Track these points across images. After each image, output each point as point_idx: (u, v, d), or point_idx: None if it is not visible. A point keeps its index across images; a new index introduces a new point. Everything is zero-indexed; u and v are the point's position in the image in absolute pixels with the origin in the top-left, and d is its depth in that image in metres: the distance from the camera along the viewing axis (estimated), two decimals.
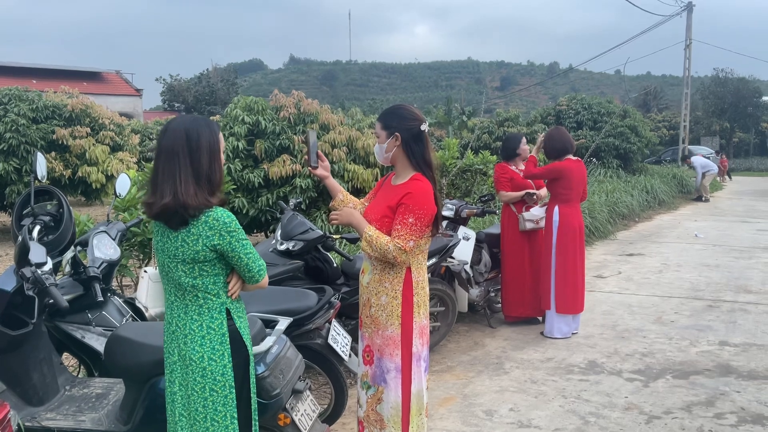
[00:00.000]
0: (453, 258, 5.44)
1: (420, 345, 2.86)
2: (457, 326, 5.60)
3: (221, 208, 2.25)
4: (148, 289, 3.81)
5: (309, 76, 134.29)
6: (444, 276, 5.41)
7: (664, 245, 10.40)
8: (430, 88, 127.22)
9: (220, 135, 2.31)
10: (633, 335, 5.55)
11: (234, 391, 2.30)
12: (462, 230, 5.80)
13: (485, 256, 6.05)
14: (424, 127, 2.85)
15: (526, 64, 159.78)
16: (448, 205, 6.00)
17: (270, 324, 2.92)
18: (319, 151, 3.03)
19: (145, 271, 3.91)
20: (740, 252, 9.63)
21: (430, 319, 2.98)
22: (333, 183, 3.09)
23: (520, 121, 19.24)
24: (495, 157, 11.90)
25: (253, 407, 2.40)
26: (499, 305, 5.99)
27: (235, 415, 2.30)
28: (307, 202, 7.96)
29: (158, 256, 2.30)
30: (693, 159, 17.65)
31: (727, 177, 27.46)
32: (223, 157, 2.33)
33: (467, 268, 5.61)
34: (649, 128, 20.92)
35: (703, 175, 17.35)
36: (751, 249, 9.86)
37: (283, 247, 4.42)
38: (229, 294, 2.31)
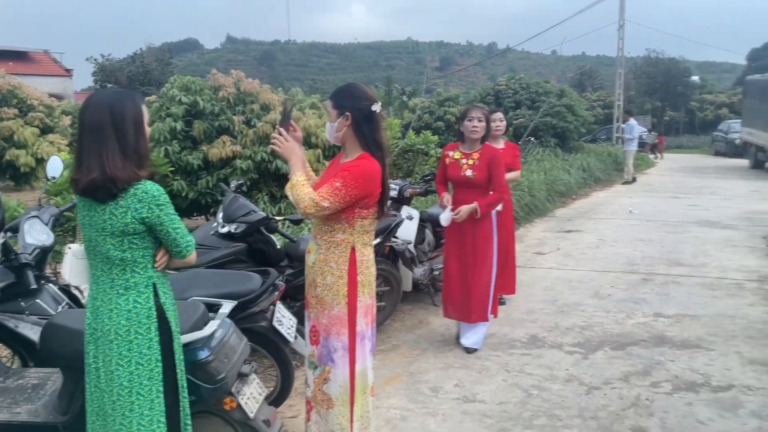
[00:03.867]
0: (397, 238, 5.46)
1: (365, 324, 2.86)
2: (401, 305, 5.64)
3: (150, 182, 2.21)
4: (71, 265, 3.66)
5: (247, 55, 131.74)
6: (388, 256, 5.42)
7: (601, 221, 10.71)
8: (370, 68, 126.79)
9: (144, 107, 2.27)
10: (572, 309, 5.71)
11: (161, 365, 2.26)
12: (405, 210, 5.81)
13: (429, 235, 6.09)
14: (376, 107, 2.83)
15: (465, 45, 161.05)
16: (392, 185, 6.00)
17: (213, 308, 2.86)
18: (292, 121, 2.94)
19: (69, 248, 3.76)
20: (672, 227, 10.01)
21: (375, 299, 2.98)
22: (298, 159, 2.86)
23: (460, 101, 19.39)
24: (436, 137, 11.97)
25: (180, 387, 2.35)
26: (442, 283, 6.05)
27: (161, 389, 2.27)
28: (249, 183, 7.83)
29: (84, 231, 2.24)
30: (631, 120, 17.81)
31: (659, 155, 28.40)
32: (148, 129, 2.29)
33: (411, 247, 5.64)
34: (585, 107, 21.39)
35: (626, 153, 17.68)
36: (683, 224, 10.26)
37: (224, 230, 4.34)
38: (156, 266, 2.27)
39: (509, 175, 5.55)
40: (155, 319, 2.25)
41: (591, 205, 12.94)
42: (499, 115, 5.75)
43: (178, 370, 2.33)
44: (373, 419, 3.09)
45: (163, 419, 2.27)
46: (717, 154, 29.71)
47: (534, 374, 4.29)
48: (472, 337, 4.76)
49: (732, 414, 3.65)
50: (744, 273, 6.95)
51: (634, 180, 17.01)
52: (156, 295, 2.27)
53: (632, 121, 17.80)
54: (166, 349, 2.29)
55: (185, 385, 2.39)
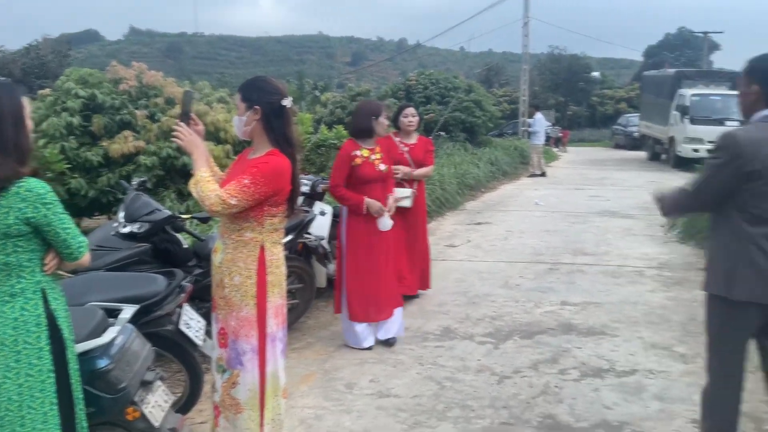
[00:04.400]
0: (310, 234, 5.38)
1: (275, 325, 2.79)
2: (316, 302, 5.57)
3: (35, 179, 2.06)
4: None
5: (152, 48, 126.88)
6: (301, 252, 5.34)
7: (509, 213, 11.01)
8: (281, 62, 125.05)
9: (24, 100, 2.12)
10: (483, 300, 5.82)
11: (53, 376, 2.12)
12: (318, 205, 5.74)
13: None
14: (287, 102, 2.74)
15: (376, 40, 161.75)
16: (304, 180, 5.91)
17: (114, 313, 2.71)
18: (193, 115, 2.80)
19: None
20: (576, 217, 10.41)
21: (288, 297, 2.92)
22: (201, 153, 2.72)
23: (371, 95, 19.43)
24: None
25: (75, 398, 2.21)
26: None
27: (55, 402, 2.13)
28: (154, 181, 7.53)
29: None
30: (537, 114, 18.38)
31: (563, 148, 29.55)
32: (30, 123, 2.14)
33: (325, 243, 5.58)
34: (492, 103, 21.94)
35: (533, 148, 18.32)
36: (586, 214, 10.70)
37: (127, 230, 4.14)
38: (45, 270, 2.12)
39: (421, 171, 5.60)
40: (45, 328, 2.10)
41: (499, 197, 13.29)
42: (411, 110, 5.70)
43: (72, 381, 2.18)
44: (286, 421, 3.02)
45: None
46: (617, 146, 31.21)
47: (447, 366, 4.33)
48: (392, 326, 4.74)
49: (636, 397, 3.82)
50: (644, 260, 7.31)
51: (543, 174, 17.58)
52: (46, 301, 2.11)
53: (538, 115, 18.41)
54: (58, 360, 2.13)
55: (81, 396, 2.24)
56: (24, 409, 2.07)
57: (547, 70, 44.44)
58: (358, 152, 4.54)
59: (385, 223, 4.58)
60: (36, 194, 2.03)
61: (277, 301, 2.80)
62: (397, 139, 5.57)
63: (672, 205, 2.92)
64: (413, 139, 5.67)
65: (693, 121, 18.01)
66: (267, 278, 2.74)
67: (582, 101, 43.91)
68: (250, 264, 2.72)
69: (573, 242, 8.40)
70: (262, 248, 2.74)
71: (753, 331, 2.68)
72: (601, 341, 4.78)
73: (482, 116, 18.95)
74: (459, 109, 18.35)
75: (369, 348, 4.62)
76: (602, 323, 5.17)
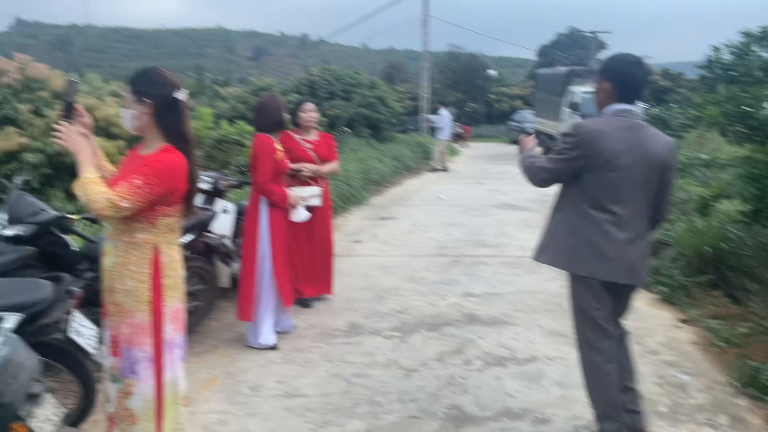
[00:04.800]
0: (212, 232, 5.21)
1: (173, 331, 2.65)
2: (219, 303, 5.41)
3: None
4: None
5: (39, 40, 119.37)
6: (203, 252, 5.16)
7: (413, 208, 11.14)
8: (179, 56, 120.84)
9: None
10: (389, 294, 5.85)
11: None
12: (220, 203, 5.57)
13: None
14: (180, 95, 2.60)
15: (278, 35, 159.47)
16: (205, 177, 5.71)
17: None
18: (79, 105, 2.60)
19: None
20: (477, 210, 10.68)
21: (189, 299, 2.79)
22: (86, 152, 2.52)
23: (274, 90, 19.13)
24: (252, 127, 11.69)
25: None
26: None
27: None
28: (41, 180, 7.07)
29: None
30: (442, 110, 18.69)
31: (465, 143, 30.30)
32: None
33: (227, 242, 5.42)
34: (395, 99, 22.13)
35: (437, 142, 18.68)
36: (486, 207, 10.99)
37: (10, 233, 3.83)
38: None
39: (329, 167, 5.46)
40: None
41: (404, 192, 13.43)
42: (311, 105, 5.54)
43: None
44: (189, 429, 2.90)
45: None
46: (513, 142, 32.27)
47: (355, 362, 4.31)
48: (287, 318, 4.80)
49: (537, 384, 3.95)
50: None
51: (445, 169, 17.90)
52: None
53: (443, 111, 18.75)
54: None
55: None
56: None
57: (446, 67, 45.39)
58: (277, 146, 4.53)
59: (303, 214, 4.65)
60: None
61: (175, 305, 2.67)
62: (297, 137, 5.40)
63: (528, 165, 3.20)
64: (314, 135, 5.49)
65: (583, 117, 18.89)
66: (162, 282, 2.60)
67: (479, 98, 45.16)
68: (144, 267, 2.58)
69: (475, 235, 8.60)
70: (157, 250, 2.60)
71: (606, 306, 3.02)
72: (503, 330, 4.91)
73: (386, 112, 19.10)
74: (363, 105, 18.40)
75: (274, 347, 4.53)
76: (503, 313, 5.32)
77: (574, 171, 2.95)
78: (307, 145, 5.39)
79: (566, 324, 4.99)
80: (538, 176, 3.11)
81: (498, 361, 4.31)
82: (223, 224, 5.42)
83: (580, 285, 3.05)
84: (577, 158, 2.92)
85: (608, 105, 3.02)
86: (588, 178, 2.92)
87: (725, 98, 4.82)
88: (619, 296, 3.09)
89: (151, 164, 2.49)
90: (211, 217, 5.11)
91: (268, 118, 4.63)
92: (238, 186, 6.01)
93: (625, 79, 2.99)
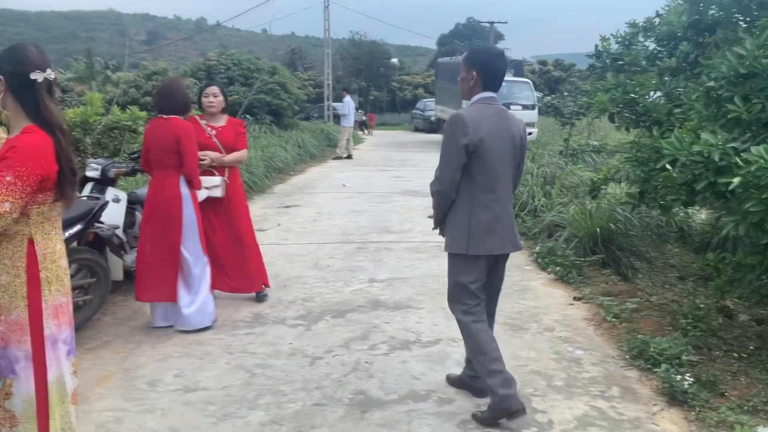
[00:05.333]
0: (102, 222, 4.93)
1: (55, 326, 2.45)
2: (112, 296, 5.14)
3: None
4: None
5: None
6: (93, 243, 4.88)
7: (317, 195, 11.05)
8: (67, 39, 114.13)
9: None
10: (294, 283, 5.77)
11: None
12: (111, 192, 5.28)
13: (139, 218, 5.62)
14: (36, 76, 2.38)
15: (173, 18, 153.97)
16: (93, 165, 5.40)
17: None
18: None
19: None
20: (381, 197, 10.73)
21: (79, 293, 2.60)
22: None
23: (168, 74, 18.41)
24: (145, 113, 11.17)
25: None
26: None
27: None
28: None
29: None
30: (347, 97, 18.61)
31: (369, 131, 30.42)
32: None
33: (119, 232, 5.16)
34: (297, 86, 21.86)
35: (342, 130, 18.65)
36: (390, 194, 11.07)
37: None
38: None
39: (232, 156, 5.12)
40: None
41: (308, 180, 13.31)
42: (214, 89, 5.15)
43: None
44: (82, 427, 2.72)
45: None
46: (416, 130, 32.79)
47: (258, 353, 4.22)
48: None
49: (441, 366, 4.00)
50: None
51: (350, 156, 17.87)
52: None
53: (348, 98, 18.71)
54: None
55: None
56: None
57: (349, 54, 45.41)
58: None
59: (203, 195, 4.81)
60: None
61: (57, 299, 2.47)
62: (203, 122, 5.11)
63: (437, 212, 3.36)
64: (221, 121, 5.17)
65: None
66: (40, 275, 2.41)
67: (383, 86, 45.49)
68: (18, 260, 2.37)
69: (379, 221, 8.64)
70: (31, 241, 2.39)
71: (484, 275, 3.30)
72: (408, 314, 4.95)
73: (288, 99, 18.83)
74: (264, 91, 18.04)
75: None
76: (408, 297, 5.37)
77: (462, 159, 3.13)
78: (212, 131, 5.09)
79: None
80: (446, 190, 3.24)
81: (403, 345, 4.34)
82: (114, 214, 5.14)
83: (467, 263, 3.25)
84: (463, 146, 3.10)
85: (475, 93, 3.27)
86: (472, 163, 3.15)
87: (613, 86, 5.03)
88: (496, 266, 3.39)
89: (13, 154, 2.28)
90: (101, 206, 4.83)
91: (173, 101, 4.48)
92: (131, 173, 5.71)
93: (491, 69, 3.24)
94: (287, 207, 9.84)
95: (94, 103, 9.02)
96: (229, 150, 5.12)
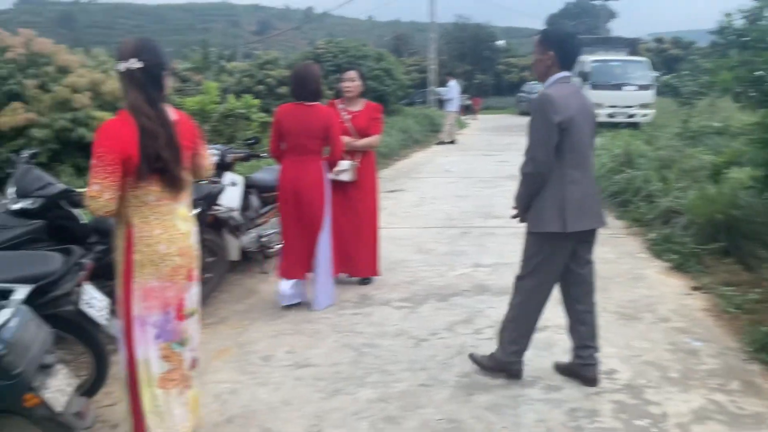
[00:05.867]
0: (220, 205, 5.20)
1: (145, 308, 2.57)
2: (229, 275, 5.42)
3: None
4: None
5: (44, 17, 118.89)
6: (212, 225, 5.17)
7: (421, 180, 11.10)
8: (184, 31, 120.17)
9: None
10: (398, 266, 5.85)
11: None
12: (228, 176, 5.55)
13: (254, 201, 5.89)
14: (120, 66, 2.51)
15: (283, 8, 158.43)
16: (212, 150, 5.69)
17: (6, 295, 2.50)
18: None
19: None
20: (485, 182, 10.62)
21: (172, 282, 2.64)
22: None
23: (280, 63, 18.99)
24: (258, 101, 11.62)
25: None
26: (272, 250, 5.89)
27: None
28: (49, 155, 7.06)
29: None
30: (451, 81, 18.51)
31: (474, 116, 30.12)
32: None
33: (236, 214, 5.42)
34: (402, 72, 21.94)
35: (447, 115, 18.54)
36: (495, 179, 10.93)
37: (18, 206, 3.84)
38: None
39: (363, 141, 5.15)
40: None
41: (411, 165, 13.37)
42: (351, 73, 5.18)
43: None
44: (201, 398, 2.87)
45: None
46: (521, 113, 31.99)
47: (365, 332, 4.32)
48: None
49: (547, 352, 3.94)
50: None
51: (453, 141, 17.78)
52: None
53: (452, 82, 18.56)
54: None
55: None
56: None
57: (453, 39, 44.88)
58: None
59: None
60: None
61: (149, 282, 2.57)
62: (340, 106, 5.19)
63: (526, 195, 3.35)
64: (359, 105, 5.20)
65: (593, 87, 18.64)
66: (134, 257, 2.56)
67: (488, 70, 44.72)
68: (122, 242, 2.57)
69: (483, 206, 8.56)
70: (129, 225, 2.56)
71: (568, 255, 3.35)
72: None
73: (392, 85, 18.95)
74: (369, 78, 18.23)
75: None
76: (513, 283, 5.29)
77: (555, 138, 3.15)
78: (347, 116, 5.14)
79: None
80: (538, 176, 3.25)
81: None
82: (231, 197, 5.41)
83: (557, 241, 3.28)
84: (560, 122, 3.13)
85: (552, 73, 3.29)
86: (563, 141, 3.17)
87: (738, 63, 4.72)
88: (587, 242, 3.44)
89: (95, 137, 2.46)
90: (220, 190, 5.10)
91: (306, 88, 4.55)
92: (246, 159, 5.98)
93: (567, 48, 3.29)
94: (391, 191, 9.94)
95: (210, 92, 9.52)
96: (363, 134, 5.15)
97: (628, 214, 7.50)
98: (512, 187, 10.26)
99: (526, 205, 3.36)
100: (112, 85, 7.64)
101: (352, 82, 5.16)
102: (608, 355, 3.83)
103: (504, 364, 3.57)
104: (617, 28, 51.39)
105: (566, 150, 3.19)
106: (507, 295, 4.94)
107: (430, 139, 18.04)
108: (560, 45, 3.26)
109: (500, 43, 45.78)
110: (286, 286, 4.78)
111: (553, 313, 4.54)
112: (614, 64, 19.36)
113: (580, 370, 3.53)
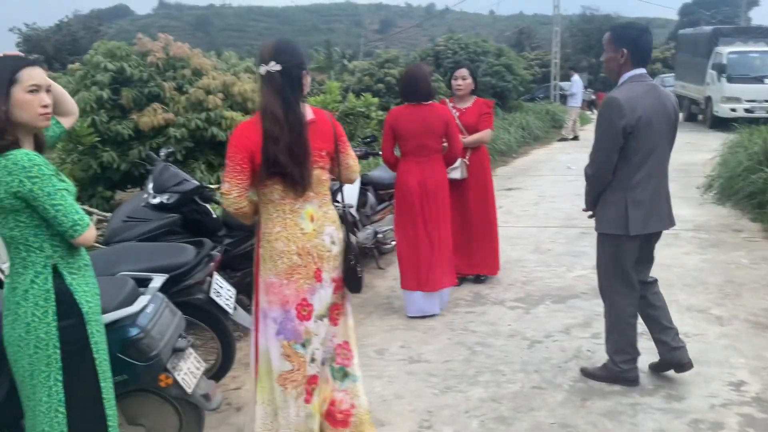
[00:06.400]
0: (338, 202, 5.36)
1: (266, 302, 2.64)
2: None
3: (23, 150, 2.00)
4: None
5: (181, 21, 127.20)
6: None
7: (540, 178, 10.85)
8: (309, 31, 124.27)
9: (24, 71, 2.03)
10: (514, 265, 5.77)
11: (59, 352, 2.10)
12: None
13: (371, 199, 6.02)
14: (262, 69, 2.55)
15: (404, 6, 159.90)
16: None
17: (144, 283, 2.74)
18: None
19: None
20: None
21: (289, 279, 2.70)
22: None
23: (400, 62, 19.20)
24: (377, 99, 11.83)
25: (100, 371, 2.21)
26: (388, 246, 6.01)
27: (60, 378, 2.12)
28: (184, 152, 7.57)
29: None
30: (575, 76, 17.96)
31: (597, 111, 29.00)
32: (23, 95, 2.02)
33: (353, 211, 5.57)
34: (523, 66, 21.51)
35: (571, 111, 17.96)
36: None
37: (156, 201, 4.16)
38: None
39: (471, 138, 5.13)
40: (53, 303, 2.08)
41: (531, 162, 13.11)
42: (462, 71, 5.23)
43: (95, 356, 2.18)
44: (286, 412, 2.67)
45: (62, 408, 2.13)
46: None
47: (478, 331, 4.32)
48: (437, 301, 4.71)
49: None
50: (680, 223, 7.02)
51: (576, 137, 17.22)
52: (58, 277, 2.10)
53: (576, 77, 17.97)
54: (78, 335, 2.13)
55: (107, 369, 2.25)
56: (35, 378, 2.10)
57: (579, 31, 43.34)
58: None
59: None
60: (21, 167, 1.95)
61: (269, 278, 2.63)
62: (450, 105, 5.22)
63: (591, 195, 3.41)
64: (468, 102, 5.25)
65: (730, 80, 17.38)
66: (260, 251, 2.67)
67: None
68: (256, 236, 2.72)
69: None
70: (259, 221, 2.70)
71: (636, 255, 3.34)
72: None
73: (513, 80, 18.62)
74: (489, 74, 18.05)
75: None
76: None
77: (620, 142, 3.14)
78: (456, 113, 5.12)
79: (704, 299, 4.73)
80: (602, 176, 3.26)
81: None
82: (348, 194, 5.56)
83: (622, 243, 3.28)
84: (624, 127, 3.10)
85: (625, 72, 3.24)
86: (629, 144, 3.14)
87: None
88: (648, 244, 3.43)
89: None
90: (338, 187, 5.25)
91: (418, 89, 4.56)
92: (364, 157, 6.13)
93: (641, 45, 3.23)
94: (509, 189, 9.80)
95: (332, 91, 9.80)
96: (472, 131, 5.15)
97: (766, 216, 6.95)
98: None
99: (592, 201, 3.40)
100: (242, 86, 8.06)
101: (463, 80, 5.20)
102: (737, 365, 3.61)
103: (617, 373, 3.47)
104: (759, 18, 47.49)
105: (632, 153, 3.17)
106: None
107: (552, 136, 17.58)
108: (634, 42, 3.21)
109: None
110: (416, 296, 4.64)
111: (678, 319, 4.33)
112: (754, 55, 17.93)
113: (671, 357, 3.44)
